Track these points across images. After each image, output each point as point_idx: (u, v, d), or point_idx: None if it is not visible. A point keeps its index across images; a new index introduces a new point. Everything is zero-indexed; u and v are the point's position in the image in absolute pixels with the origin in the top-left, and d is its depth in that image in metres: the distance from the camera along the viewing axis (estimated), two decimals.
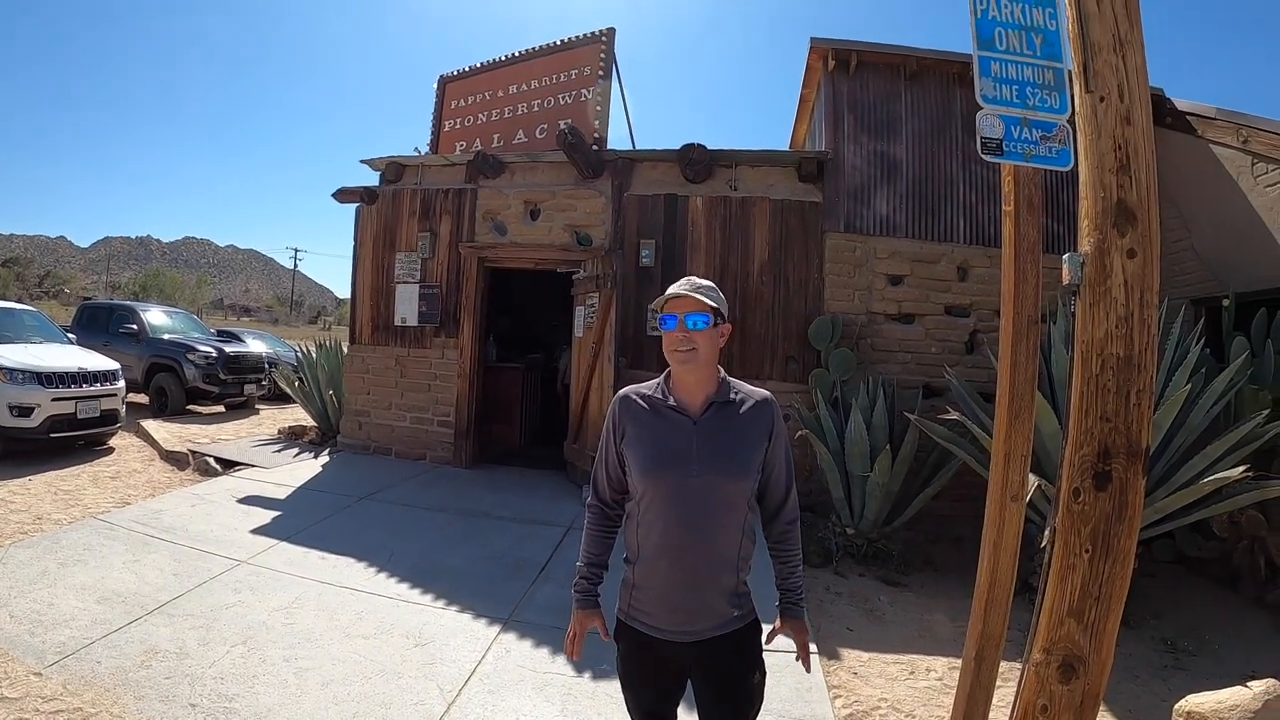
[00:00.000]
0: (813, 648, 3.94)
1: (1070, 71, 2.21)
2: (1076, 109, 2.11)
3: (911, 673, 3.92)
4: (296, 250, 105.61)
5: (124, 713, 3.15)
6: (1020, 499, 2.45)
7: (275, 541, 5.39)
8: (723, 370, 2.10)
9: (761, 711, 2.07)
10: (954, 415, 5.25)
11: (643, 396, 2.08)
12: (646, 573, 2.01)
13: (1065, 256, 2.08)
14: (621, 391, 2.15)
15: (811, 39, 7.64)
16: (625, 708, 2.15)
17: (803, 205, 7.54)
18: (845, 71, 7.54)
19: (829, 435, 6.16)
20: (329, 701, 3.31)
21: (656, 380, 2.11)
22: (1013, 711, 2.25)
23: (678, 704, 2.16)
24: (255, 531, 5.60)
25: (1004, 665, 2.65)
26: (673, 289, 2.01)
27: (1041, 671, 2.11)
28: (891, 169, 7.37)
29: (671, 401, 2.03)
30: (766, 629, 2.11)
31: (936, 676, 3.88)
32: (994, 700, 2.50)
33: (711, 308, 1.96)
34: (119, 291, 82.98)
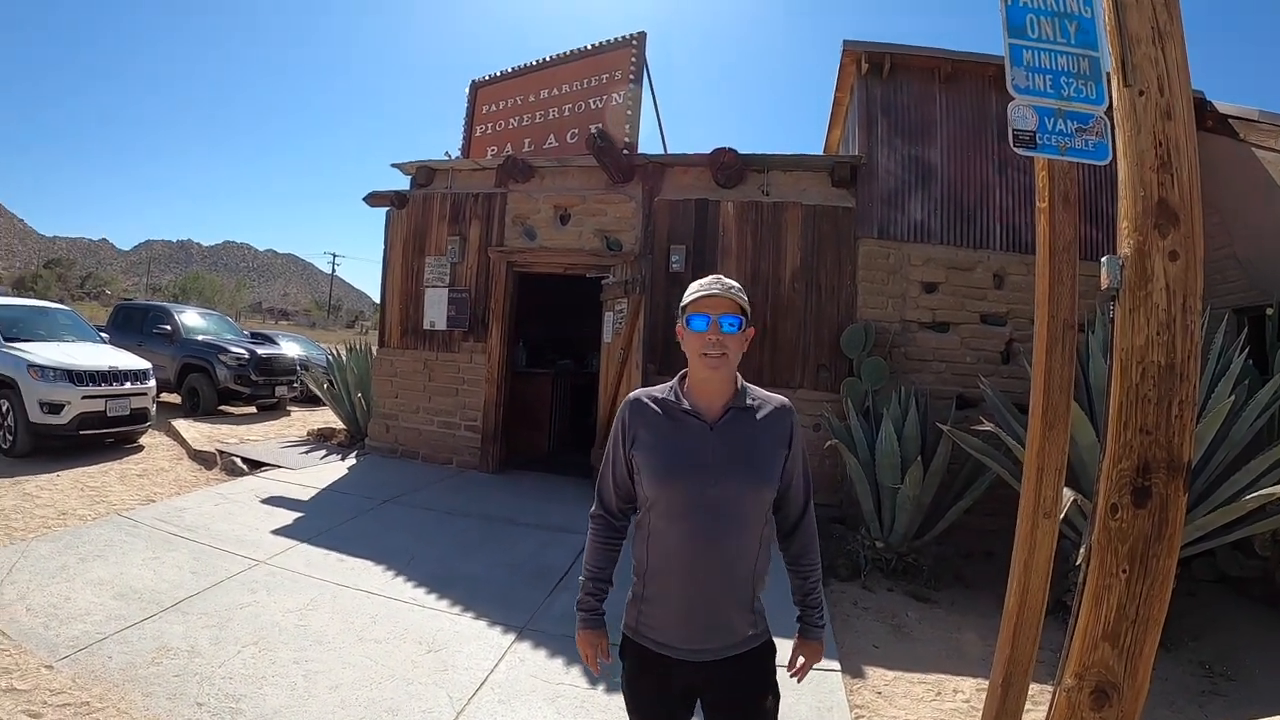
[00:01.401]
0: (835, 665, 3.84)
1: (1106, 63, 2.09)
2: (1115, 104, 2.00)
3: (938, 694, 3.76)
4: (335, 255, 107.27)
5: (130, 709, 3.14)
6: (1053, 516, 2.32)
7: (295, 543, 5.38)
8: (739, 375, 1.98)
9: None
10: (988, 426, 5.09)
11: (655, 400, 1.97)
12: (656, 587, 1.90)
13: (1104, 259, 1.96)
14: (632, 394, 2.03)
15: (844, 42, 7.51)
16: None
17: (836, 211, 7.41)
18: (879, 75, 7.40)
19: (859, 446, 6.02)
20: (336, 705, 3.27)
21: (669, 383, 2.00)
22: None
23: None
24: (276, 532, 5.60)
25: (1035, 688, 2.52)
26: (701, 286, 1.89)
27: (1073, 697, 1.98)
28: (926, 174, 7.21)
29: (686, 405, 1.91)
30: (786, 645, 2.01)
31: (964, 699, 3.71)
32: None
33: (743, 309, 1.87)
34: (159, 294, 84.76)
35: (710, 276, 1.95)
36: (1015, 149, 2.13)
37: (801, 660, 2.07)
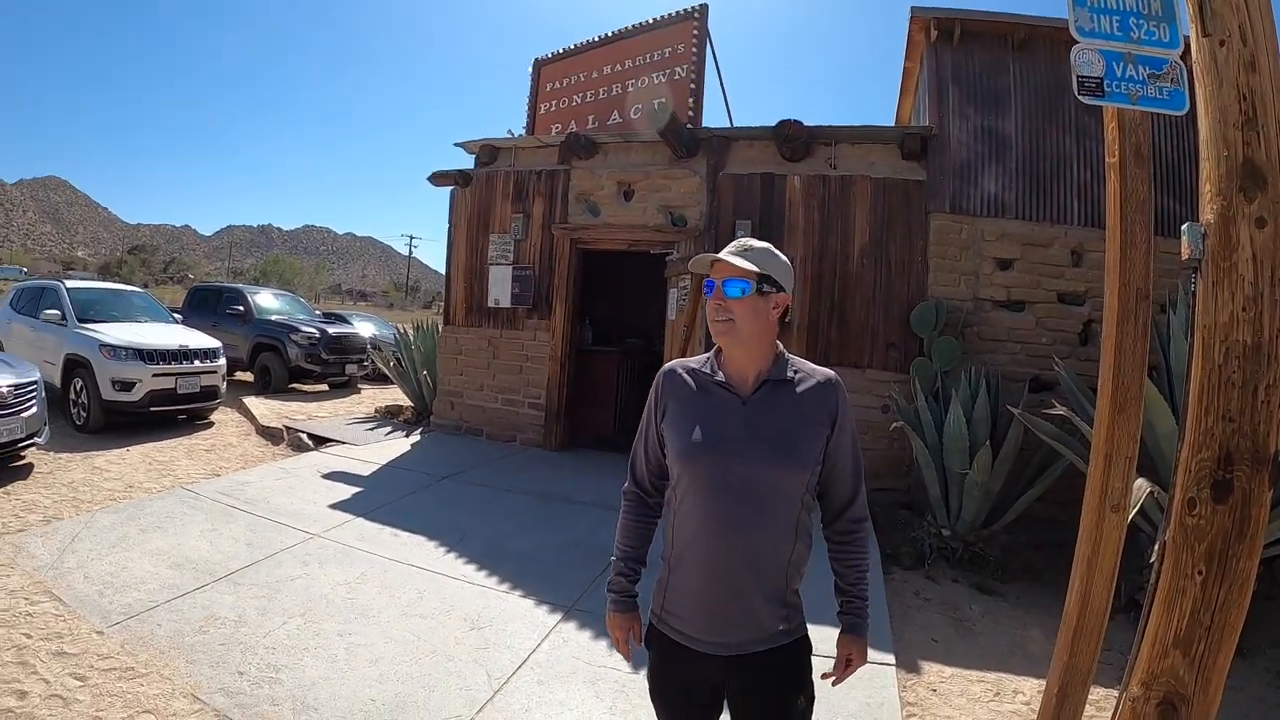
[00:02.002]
0: (890, 659, 3.66)
1: (1181, 3, 1.87)
2: (1194, 56, 1.78)
3: (997, 694, 3.54)
4: (411, 237, 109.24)
5: (174, 675, 3.20)
6: (1122, 510, 2.11)
7: (351, 517, 5.44)
8: (780, 346, 1.83)
9: None
10: (1061, 410, 4.80)
11: (689, 370, 1.84)
12: (681, 573, 1.77)
13: (1184, 227, 1.77)
14: (668, 364, 1.91)
15: (912, 8, 7.18)
16: None
17: (906, 184, 7.11)
18: (949, 42, 7.06)
19: (927, 429, 5.78)
20: (374, 679, 3.26)
21: (708, 354, 1.87)
22: None
23: None
24: (333, 506, 5.67)
25: (1099, 692, 2.33)
26: (724, 250, 1.76)
27: (1139, 708, 1.82)
28: (1000, 145, 6.85)
29: (720, 377, 1.78)
30: (827, 636, 1.87)
31: (1024, 700, 3.48)
32: None
33: (754, 274, 1.70)
34: (240, 277, 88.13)
35: (737, 240, 1.81)
36: (1080, 97, 1.92)
37: (850, 661, 1.88)
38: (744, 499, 1.70)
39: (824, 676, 1.85)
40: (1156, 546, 1.91)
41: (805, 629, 1.84)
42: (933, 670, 3.78)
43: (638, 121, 8.55)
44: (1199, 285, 1.76)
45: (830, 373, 1.83)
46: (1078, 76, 1.93)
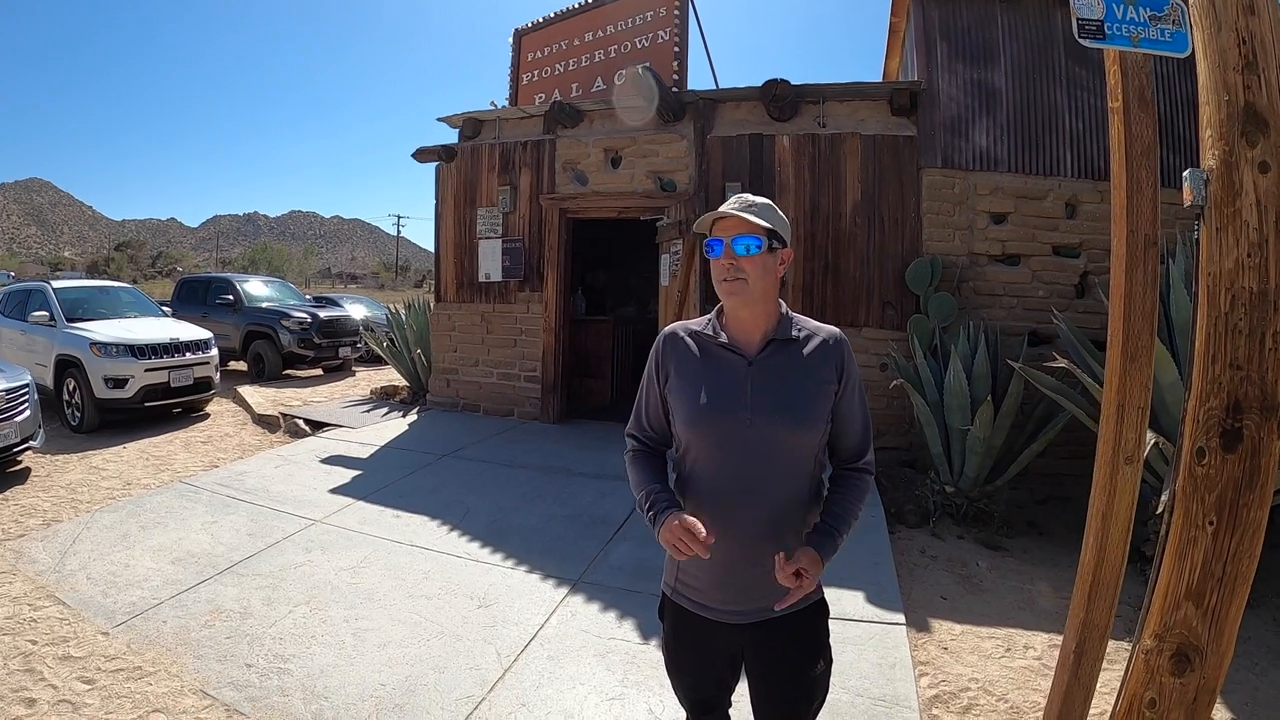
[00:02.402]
0: (899, 618, 3.66)
1: None
2: None
3: (1008, 649, 3.55)
4: (399, 217, 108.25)
5: (181, 671, 3.19)
6: (1136, 461, 2.07)
7: (352, 500, 5.43)
8: (784, 305, 1.79)
9: (839, 689, 1.82)
10: (1062, 363, 4.76)
11: (691, 333, 1.81)
12: None
13: (1186, 173, 1.72)
14: (668, 327, 1.87)
15: None
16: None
17: (896, 140, 7.02)
18: None
19: (927, 385, 5.76)
20: (383, 664, 3.26)
21: (708, 315, 1.83)
22: (1116, 702, 1.94)
23: (731, 691, 1.92)
24: (333, 491, 5.66)
25: (1111, 645, 2.31)
26: (722, 207, 1.71)
27: (1152, 661, 1.80)
28: (990, 99, 6.75)
29: (723, 339, 1.75)
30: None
31: (1035, 655, 3.48)
32: (1097, 685, 2.18)
33: (765, 229, 1.66)
34: (229, 266, 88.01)
35: (735, 196, 1.75)
36: (1080, 39, 1.86)
37: (800, 575, 1.59)
38: (756, 462, 1.67)
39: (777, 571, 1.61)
40: (1164, 497, 1.89)
41: (822, 592, 1.82)
42: (943, 628, 3.78)
43: (622, 88, 8.42)
44: (1203, 232, 1.72)
45: (835, 330, 1.80)
46: (1078, 19, 1.87)
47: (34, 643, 3.42)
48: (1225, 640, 1.73)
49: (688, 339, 1.81)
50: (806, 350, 1.74)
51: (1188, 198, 1.73)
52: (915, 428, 6.30)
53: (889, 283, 7.03)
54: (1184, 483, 1.75)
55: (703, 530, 1.59)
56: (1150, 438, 3.68)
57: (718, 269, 1.69)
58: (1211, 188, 1.69)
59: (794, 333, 1.75)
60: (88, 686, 3.09)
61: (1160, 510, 1.90)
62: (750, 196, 1.73)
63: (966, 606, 4.04)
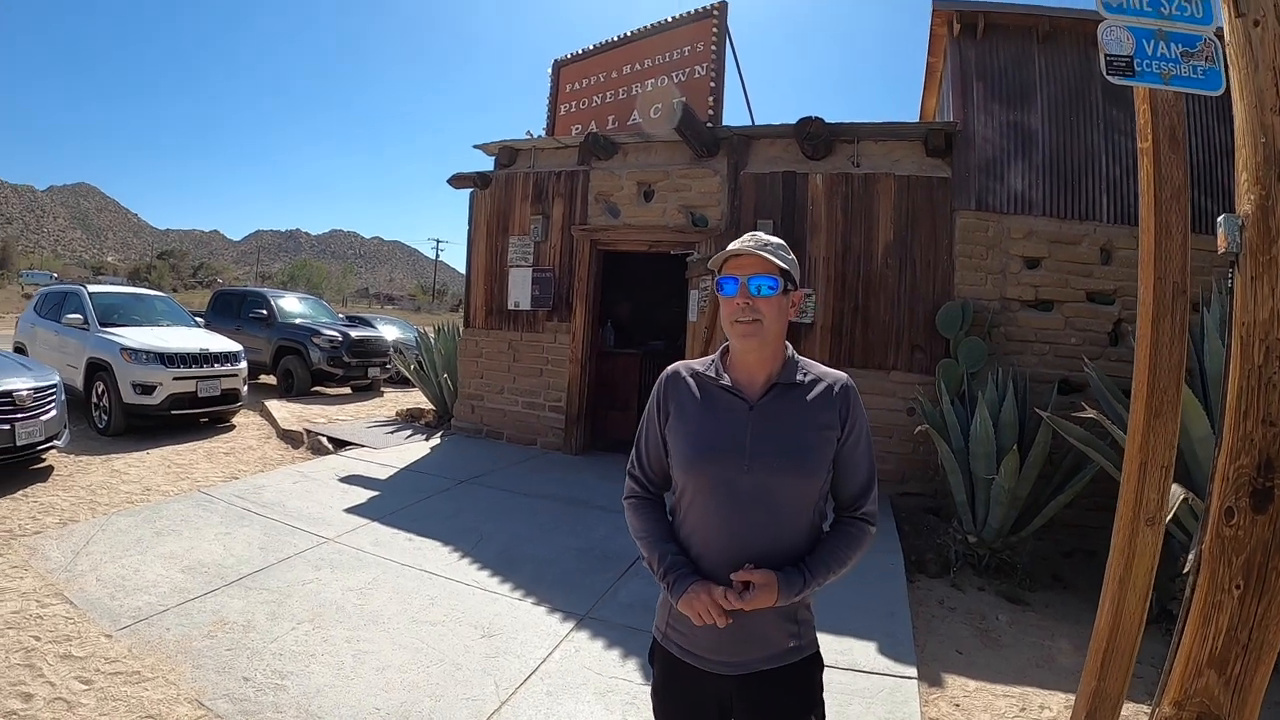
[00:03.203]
0: (910, 672, 3.52)
1: None
2: (1226, 38, 1.67)
3: (1023, 709, 3.39)
4: (439, 241, 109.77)
5: (179, 680, 3.17)
6: (1157, 523, 1.98)
7: (366, 521, 5.40)
8: (790, 347, 1.73)
9: None
10: (1090, 413, 4.63)
11: (693, 373, 1.75)
12: None
13: (1220, 218, 1.65)
14: (671, 366, 1.81)
15: (935, 1, 7.05)
16: None
17: (930, 181, 6.96)
18: (972, 36, 6.91)
19: (953, 432, 5.64)
20: (379, 687, 3.21)
21: (712, 356, 1.77)
22: None
23: None
24: (349, 510, 5.64)
25: (1130, 707, 2.20)
26: (734, 244, 1.65)
27: None
28: (1026, 141, 6.68)
29: (725, 381, 1.68)
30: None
31: (1050, 716, 3.33)
32: None
33: (780, 269, 1.61)
34: (268, 281, 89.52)
35: (749, 234, 1.70)
36: (1108, 77, 1.81)
37: (747, 586, 1.54)
38: (752, 509, 1.61)
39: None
40: (1191, 555, 1.80)
41: (817, 644, 1.75)
42: (956, 684, 3.64)
43: (657, 121, 8.46)
44: (1237, 280, 1.65)
45: (843, 375, 1.73)
46: (1106, 55, 1.81)
47: (37, 639, 3.43)
48: (1249, 710, 1.64)
49: (689, 379, 1.75)
50: (810, 396, 1.67)
51: (1222, 244, 1.66)
52: (940, 474, 6.17)
53: (919, 326, 6.94)
54: (1211, 543, 1.67)
55: (732, 603, 1.53)
56: (1180, 493, 3.55)
57: (731, 308, 1.63)
58: (1247, 234, 1.62)
59: (799, 377, 1.68)
60: (85, 687, 3.09)
61: (1186, 570, 1.80)
62: (764, 235, 1.68)
63: (983, 662, 3.90)
